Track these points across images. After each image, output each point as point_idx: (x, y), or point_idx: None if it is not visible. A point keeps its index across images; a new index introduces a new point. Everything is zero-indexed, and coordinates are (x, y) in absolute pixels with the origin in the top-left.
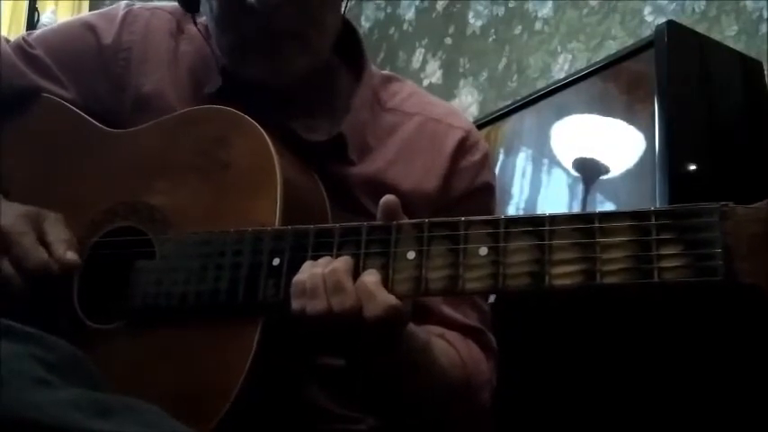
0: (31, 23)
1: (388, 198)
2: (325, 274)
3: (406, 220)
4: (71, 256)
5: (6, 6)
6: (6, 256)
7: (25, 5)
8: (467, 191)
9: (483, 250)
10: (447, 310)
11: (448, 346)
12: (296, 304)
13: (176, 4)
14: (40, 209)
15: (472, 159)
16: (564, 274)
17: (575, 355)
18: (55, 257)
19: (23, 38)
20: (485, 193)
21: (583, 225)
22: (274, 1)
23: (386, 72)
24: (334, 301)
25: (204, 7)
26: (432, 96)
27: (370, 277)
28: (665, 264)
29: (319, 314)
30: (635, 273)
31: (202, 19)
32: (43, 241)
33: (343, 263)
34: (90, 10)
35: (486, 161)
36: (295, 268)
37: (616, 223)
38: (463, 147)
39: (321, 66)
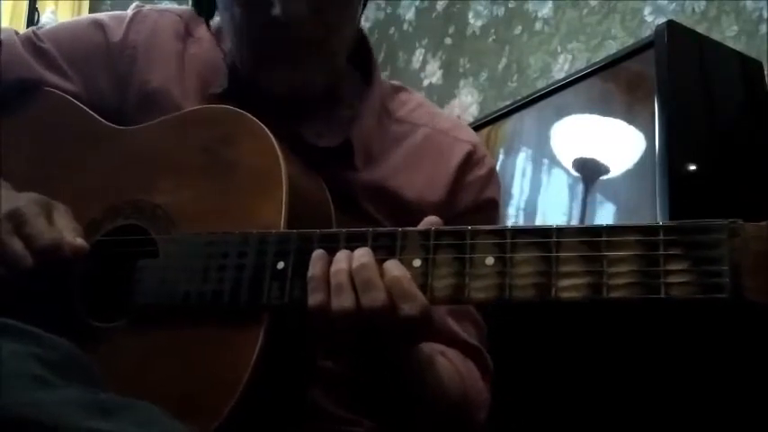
0: (31, 23)
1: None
2: (353, 270)
3: (411, 228)
4: (81, 242)
5: (6, 6)
6: (18, 236)
7: (25, 5)
8: (472, 205)
9: (489, 260)
10: (450, 323)
11: (449, 364)
12: (314, 300)
13: (186, 7)
14: (49, 199)
15: (478, 174)
16: (570, 286)
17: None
18: (65, 242)
19: (33, 31)
20: (489, 209)
21: (590, 238)
22: (301, 13)
23: (395, 82)
24: (365, 299)
25: (224, 15)
26: (439, 109)
27: (402, 272)
28: (671, 279)
29: (346, 311)
30: (641, 288)
31: (213, 22)
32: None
33: (369, 257)
34: (90, 10)
35: (492, 176)
36: (299, 272)
37: (623, 237)
38: (470, 161)
39: (338, 73)
